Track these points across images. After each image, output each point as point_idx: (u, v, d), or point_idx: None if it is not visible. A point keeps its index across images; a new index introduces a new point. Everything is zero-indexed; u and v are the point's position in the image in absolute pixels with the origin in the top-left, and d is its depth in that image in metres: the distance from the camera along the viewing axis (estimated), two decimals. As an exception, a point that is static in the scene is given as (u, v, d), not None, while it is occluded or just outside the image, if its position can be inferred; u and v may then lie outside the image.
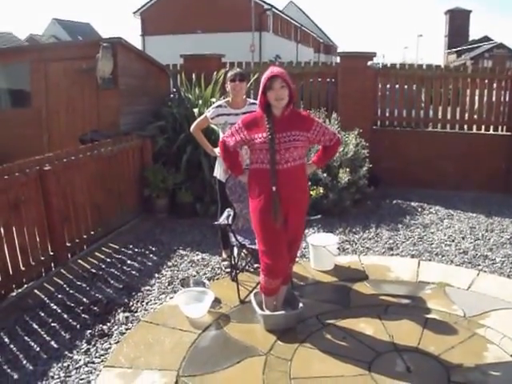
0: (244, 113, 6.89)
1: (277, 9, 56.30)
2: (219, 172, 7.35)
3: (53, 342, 5.65)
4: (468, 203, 10.91)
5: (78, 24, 71.11)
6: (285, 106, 5.41)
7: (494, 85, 12.08)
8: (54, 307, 6.43)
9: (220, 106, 7.24)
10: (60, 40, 44.59)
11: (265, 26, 50.75)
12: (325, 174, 9.60)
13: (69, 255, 7.78)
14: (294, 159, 5.36)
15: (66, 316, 6.21)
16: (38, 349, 5.53)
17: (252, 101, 7.35)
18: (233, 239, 6.51)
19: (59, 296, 6.71)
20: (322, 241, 7.49)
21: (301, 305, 5.88)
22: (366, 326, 5.83)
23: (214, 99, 9.97)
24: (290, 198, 5.41)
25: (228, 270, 7.34)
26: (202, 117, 7.46)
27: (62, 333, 5.84)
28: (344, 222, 9.53)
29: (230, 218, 6.63)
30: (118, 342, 5.64)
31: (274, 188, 5.30)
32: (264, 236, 5.54)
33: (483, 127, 12.38)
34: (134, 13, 53.74)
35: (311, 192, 9.09)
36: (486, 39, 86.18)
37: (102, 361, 5.32)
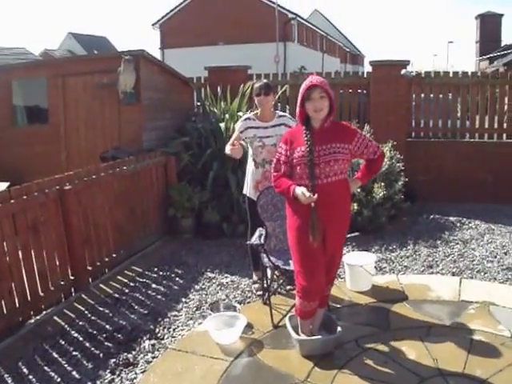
0: (273, 126, 6.85)
1: (302, 18, 56.30)
2: (249, 189, 7.11)
3: (74, 372, 5.41)
4: (509, 216, 10.60)
5: (94, 38, 71.51)
6: (324, 117, 5.19)
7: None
8: (75, 335, 6.17)
9: (249, 118, 7.06)
10: (75, 54, 44.67)
11: (289, 35, 50.72)
12: (359, 190, 9.23)
13: (90, 279, 7.54)
14: (335, 173, 5.13)
15: (87, 344, 5.94)
16: (58, 379, 5.29)
17: (281, 113, 7.19)
18: (265, 260, 6.26)
19: (80, 323, 6.45)
20: (358, 260, 7.24)
21: (339, 328, 5.62)
22: (408, 350, 5.57)
23: (241, 113, 9.78)
24: (329, 216, 5.17)
25: (259, 292, 7.06)
26: (234, 135, 7.15)
27: (84, 362, 5.59)
28: (380, 239, 9.25)
29: (263, 237, 6.37)
30: (145, 371, 5.40)
31: (312, 205, 5.03)
32: (300, 256, 5.31)
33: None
34: (153, 25, 54.06)
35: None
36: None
37: (127, 392, 5.09)
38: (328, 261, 5.41)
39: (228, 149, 6.84)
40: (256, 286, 7.28)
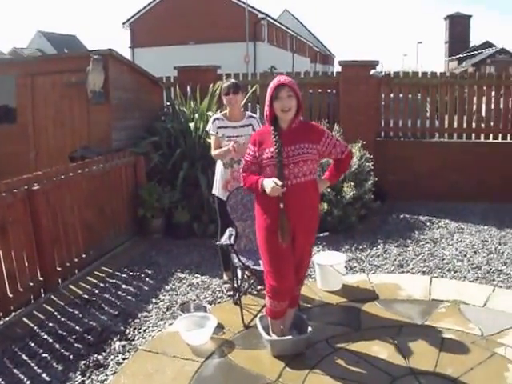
0: (242, 126, 6.87)
1: (272, 18, 56.29)
2: (218, 189, 7.12)
3: (44, 375, 5.33)
4: (479, 215, 10.72)
5: (64, 36, 71.08)
6: (292, 117, 5.19)
7: (501, 91, 11.97)
8: (45, 336, 6.10)
9: (217, 118, 7.07)
10: (45, 53, 44.28)
11: (259, 35, 50.72)
12: (328, 189, 9.29)
13: (59, 280, 7.48)
14: (304, 174, 5.12)
15: (57, 346, 5.87)
16: (28, 382, 5.21)
17: (250, 114, 7.22)
18: (235, 260, 6.24)
19: (50, 324, 6.38)
20: (329, 259, 7.26)
21: (310, 328, 5.63)
22: (380, 349, 5.61)
23: (210, 113, 9.74)
24: (298, 216, 5.16)
25: (230, 292, 7.03)
26: (212, 139, 7.15)
27: (54, 364, 5.51)
28: (350, 239, 9.28)
29: (232, 237, 6.35)
30: (115, 372, 5.35)
31: (281, 205, 5.04)
32: (270, 256, 5.29)
33: (491, 136, 12.23)
34: (124, 23, 53.79)
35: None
36: (488, 45, 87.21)
37: (98, 394, 5.04)
38: (297, 261, 5.40)
39: (218, 152, 6.89)
40: (226, 286, 7.26)
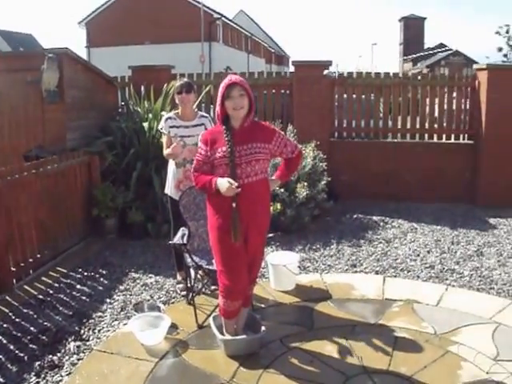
0: (194, 125, 6.88)
1: (227, 18, 56.43)
2: (170, 188, 7.14)
3: None
4: (432, 215, 10.84)
5: (19, 35, 69.91)
6: (244, 116, 5.20)
7: (454, 93, 12.12)
8: (-1, 337, 6.02)
9: (170, 117, 7.06)
10: (0, 51, 43.69)
11: (214, 36, 50.82)
12: (282, 190, 9.33)
13: (14, 281, 7.40)
14: (256, 173, 5.15)
15: (11, 347, 5.81)
16: None
17: (202, 113, 7.26)
18: (188, 260, 6.25)
19: (4, 325, 6.30)
20: (282, 259, 7.28)
21: (263, 328, 5.65)
22: (333, 349, 5.66)
23: (164, 112, 9.67)
24: (251, 216, 5.20)
25: (184, 292, 7.04)
26: (164, 138, 7.14)
27: (8, 365, 5.46)
28: (303, 239, 9.30)
29: (185, 237, 6.34)
30: (70, 373, 5.31)
31: (234, 204, 5.05)
32: (222, 256, 5.31)
33: (444, 136, 12.41)
34: (79, 23, 53.40)
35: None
36: (442, 46, 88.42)
37: (52, 395, 4.99)
38: (250, 260, 5.42)
39: (167, 151, 6.88)
40: (180, 286, 7.26)
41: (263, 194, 5.33)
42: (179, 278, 7.40)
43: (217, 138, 5.21)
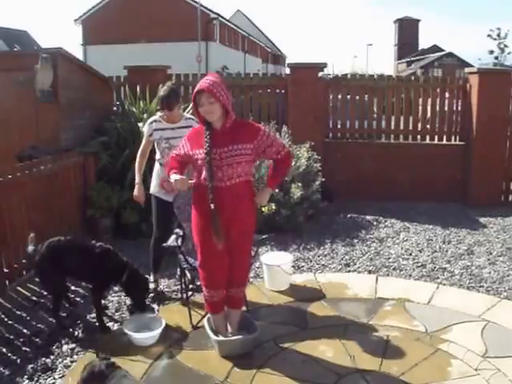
0: (180, 127, 6.83)
1: (224, 18, 56.47)
2: (154, 187, 7.18)
3: None
4: (424, 215, 10.90)
5: (15, 32, 69.61)
6: (223, 118, 5.17)
7: (446, 94, 12.20)
8: (-9, 340, 6.01)
9: (155, 121, 7.06)
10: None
11: (211, 35, 50.85)
12: (276, 190, 9.27)
13: (7, 282, 7.34)
14: (238, 175, 5.14)
15: (4, 350, 5.79)
16: None
17: (188, 116, 7.26)
18: (183, 262, 6.26)
19: (-4, 327, 6.29)
20: (276, 259, 7.32)
21: (257, 328, 5.68)
22: (326, 348, 5.72)
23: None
24: (233, 217, 5.22)
25: (151, 294, 7.05)
26: (143, 142, 7.18)
27: (1, 369, 5.44)
28: (298, 238, 9.32)
29: (180, 239, 6.35)
30: (63, 376, 5.32)
31: (212, 206, 5.05)
32: (202, 250, 5.38)
33: (436, 137, 12.44)
34: (75, 20, 53.40)
35: (263, 208, 8.87)
36: (436, 48, 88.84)
37: (45, 398, 4.98)
38: (234, 262, 5.44)
39: (139, 154, 7.10)
40: (152, 286, 7.18)
41: (246, 195, 5.31)
42: (152, 279, 7.31)
43: (200, 139, 5.18)
